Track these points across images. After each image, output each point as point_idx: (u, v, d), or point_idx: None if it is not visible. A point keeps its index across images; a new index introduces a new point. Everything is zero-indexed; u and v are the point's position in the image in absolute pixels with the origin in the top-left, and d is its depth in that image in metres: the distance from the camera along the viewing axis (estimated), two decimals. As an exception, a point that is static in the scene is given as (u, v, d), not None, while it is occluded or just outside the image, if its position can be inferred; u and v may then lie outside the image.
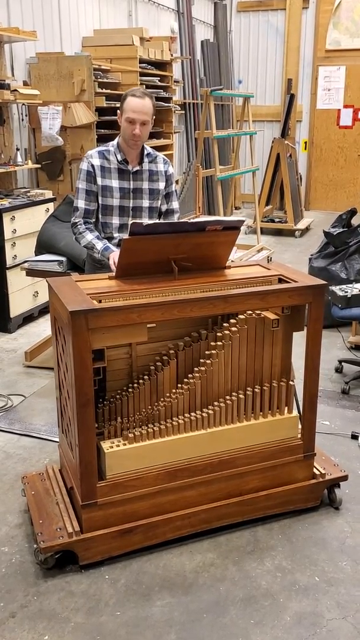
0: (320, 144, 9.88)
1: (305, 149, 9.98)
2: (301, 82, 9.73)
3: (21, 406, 3.58)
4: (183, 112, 8.09)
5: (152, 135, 6.74)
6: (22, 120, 5.28)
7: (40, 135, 5.24)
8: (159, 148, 6.73)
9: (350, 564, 2.37)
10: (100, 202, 2.94)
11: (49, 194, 5.07)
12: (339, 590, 2.25)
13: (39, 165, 5.37)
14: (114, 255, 2.68)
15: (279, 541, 2.49)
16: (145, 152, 3.00)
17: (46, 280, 2.44)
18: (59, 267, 3.69)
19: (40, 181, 5.54)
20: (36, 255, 4.11)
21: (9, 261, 4.56)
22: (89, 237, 2.93)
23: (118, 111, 2.92)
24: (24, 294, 4.77)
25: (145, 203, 3.00)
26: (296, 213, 8.43)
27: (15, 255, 4.62)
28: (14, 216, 4.57)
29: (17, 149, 5.11)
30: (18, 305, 4.75)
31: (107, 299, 2.27)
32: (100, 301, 2.26)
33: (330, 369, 4.07)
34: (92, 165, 2.92)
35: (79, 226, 2.96)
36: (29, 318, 4.92)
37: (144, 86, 6.04)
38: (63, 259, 3.75)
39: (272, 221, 8.58)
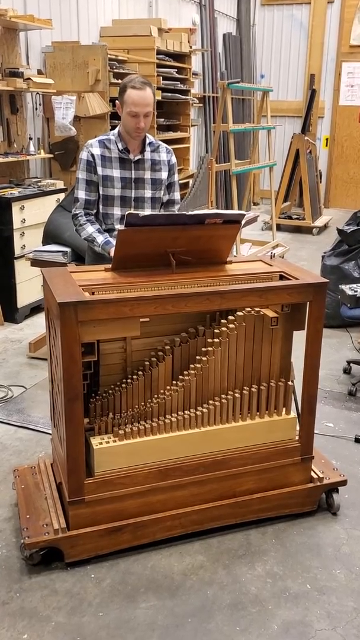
0: (341, 141, 9.72)
1: (327, 145, 9.82)
2: (324, 77, 9.57)
3: (21, 397, 3.54)
4: (201, 105, 7.99)
5: (169, 128, 6.68)
6: (36, 109, 5.25)
7: (54, 125, 5.19)
8: (175, 141, 6.68)
9: (344, 573, 2.29)
10: (101, 192, 2.88)
11: (60, 184, 5.03)
12: (331, 599, 2.17)
13: (52, 155, 5.33)
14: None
15: (272, 545, 2.41)
16: (147, 141, 2.94)
17: (40, 271, 2.39)
18: (63, 258, 3.65)
19: (53, 171, 5.50)
20: (44, 245, 4.07)
21: (17, 251, 4.53)
22: (90, 229, 2.88)
23: (117, 102, 2.86)
24: (32, 284, 4.73)
25: (148, 193, 2.93)
26: (314, 210, 8.31)
27: (24, 245, 4.58)
28: (23, 206, 4.53)
29: (30, 138, 5.07)
30: (25, 295, 4.72)
31: (100, 292, 2.21)
32: (93, 293, 2.20)
33: (339, 370, 3.98)
34: (92, 155, 2.87)
35: (79, 218, 2.91)
36: (36, 309, 4.89)
37: (161, 78, 5.97)
38: (67, 249, 3.70)
39: (290, 218, 8.46)
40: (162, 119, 6.38)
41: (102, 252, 2.82)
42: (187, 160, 7.12)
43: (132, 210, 2.81)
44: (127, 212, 2.21)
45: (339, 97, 9.58)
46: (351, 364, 3.93)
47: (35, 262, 3.78)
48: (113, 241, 2.79)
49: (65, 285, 2.17)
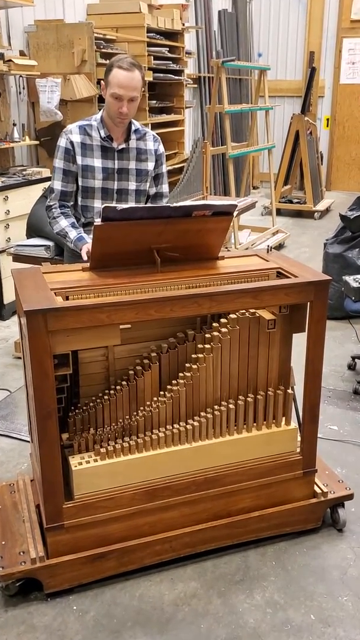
0: (343, 120, 9.39)
1: (327, 126, 9.50)
2: (324, 55, 9.22)
3: (4, 402, 3.32)
4: (196, 86, 7.69)
5: (162, 111, 6.39)
6: (20, 93, 4.97)
7: (39, 109, 4.92)
8: (169, 124, 6.40)
9: (351, 600, 2.08)
10: (80, 183, 2.63)
11: (47, 172, 4.76)
12: (337, 632, 1.96)
13: (37, 142, 5.07)
14: (88, 247, 2.38)
15: (272, 569, 2.20)
16: (133, 128, 2.68)
17: (11, 272, 2.16)
18: (46, 253, 3.41)
19: (40, 159, 5.25)
20: (28, 239, 3.83)
21: (2, 244, 4.29)
22: (63, 223, 2.63)
23: (102, 82, 2.60)
24: (19, 279, 4.49)
25: (132, 185, 2.68)
26: (315, 193, 8.02)
27: (9, 238, 4.34)
28: (7, 196, 4.29)
29: (14, 124, 4.81)
30: (12, 291, 4.47)
31: (75, 295, 1.97)
32: (67, 298, 1.97)
33: (343, 366, 3.75)
34: (72, 142, 2.61)
35: (53, 210, 2.66)
36: (24, 304, 4.65)
37: (152, 57, 5.68)
38: (50, 243, 3.46)
39: (290, 202, 8.18)
40: (155, 101, 6.09)
41: (75, 248, 2.58)
42: (182, 144, 6.84)
43: (114, 204, 2.57)
44: (103, 206, 1.96)
45: (339, 75, 9.24)
46: (356, 360, 3.70)
47: (17, 258, 3.55)
48: (87, 237, 2.55)
49: (35, 288, 1.94)
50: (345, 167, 9.60)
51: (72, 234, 2.59)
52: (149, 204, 2.77)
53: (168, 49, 6.15)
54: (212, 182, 7.81)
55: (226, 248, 5.14)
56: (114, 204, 2.01)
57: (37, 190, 4.55)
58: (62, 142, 2.64)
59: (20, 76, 4.84)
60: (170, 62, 6.23)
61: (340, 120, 9.41)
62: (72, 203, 2.69)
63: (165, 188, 2.82)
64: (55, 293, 1.94)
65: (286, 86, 9.43)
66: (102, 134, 2.62)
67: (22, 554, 2.06)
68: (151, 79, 5.68)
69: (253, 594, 2.10)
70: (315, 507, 2.33)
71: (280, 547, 2.30)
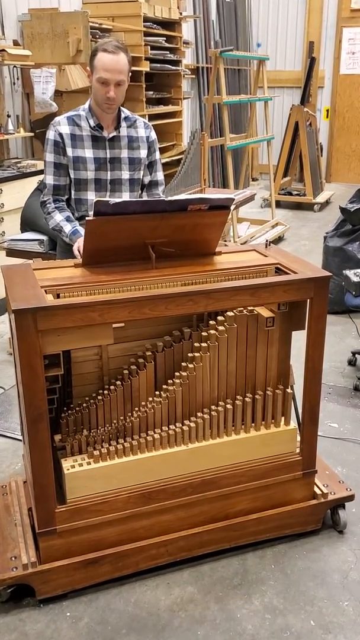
0: (343, 111, 9.28)
1: (327, 117, 9.39)
2: (324, 45, 9.09)
3: (-2, 400, 3.26)
4: (194, 76, 7.58)
5: (159, 102, 6.29)
6: (14, 84, 4.87)
7: (34, 100, 4.83)
8: (166, 115, 6.30)
9: (352, 605, 2.03)
10: (72, 175, 2.55)
11: (42, 165, 4.64)
12: (338, 638, 1.91)
13: (32, 134, 4.98)
14: (80, 243, 2.31)
15: (271, 572, 2.15)
16: (123, 116, 2.60)
17: (0, 268, 2.09)
18: (39, 247, 3.34)
19: (36, 151, 5.15)
20: (22, 233, 3.76)
21: (-4, 238, 4.22)
22: (58, 218, 2.55)
23: (88, 69, 2.52)
24: (14, 273, 4.42)
25: (125, 175, 2.60)
26: (315, 185, 7.93)
27: (3, 232, 4.26)
28: (1, 189, 4.21)
29: (9, 116, 4.72)
30: (6, 286, 4.40)
31: (67, 293, 1.91)
32: (58, 295, 1.90)
33: (343, 362, 3.68)
34: (60, 134, 2.53)
35: (47, 205, 2.58)
36: (19, 299, 4.58)
37: (149, 47, 5.58)
38: (44, 238, 3.39)
39: (290, 194, 8.09)
40: (152, 92, 6.00)
41: (71, 242, 2.50)
42: (180, 135, 6.74)
43: (104, 197, 2.49)
44: (95, 200, 1.89)
45: (339, 65, 9.11)
46: (356, 355, 3.63)
47: (11, 252, 3.47)
48: (82, 231, 2.47)
49: (24, 286, 1.87)
50: (346, 158, 9.50)
51: (67, 228, 2.52)
52: (143, 198, 2.70)
53: (165, 38, 6.04)
54: (210, 174, 7.72)
55: (225, 241, 5.07)
56: (106, 198, 1.93)
57: (32, 183, 4.47)
58: (50, 134, 2.57)
59: (14, 66, 4.75)
60: (168, 52, 6.13)
61: (340, 111, 9.30)
62: (66, 197, 2.61)
63: (160, 176, 2.74)
64: (45, 291, 1.87)
65: (285, 77, 9.31)
66: (92, 123, 2.54)
67: (13, 559, 2.00)
68: (148, 69, 5.58)
69: (251, 598, 2.04)
70: (315, 508, 2.27)
71: (280, 549, 2.24)
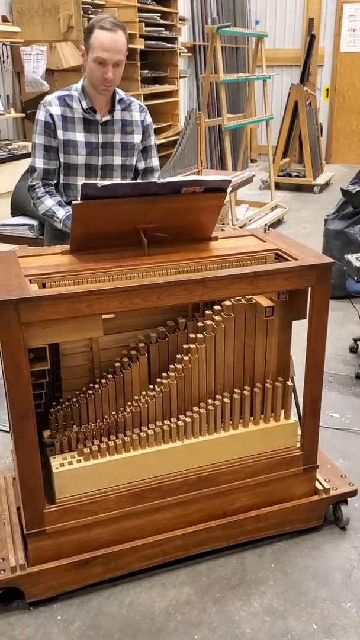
0: (343, 90, 9.09)
1: (327, 96, 9.20)
2: (324, 22, 8.88)
3: (-11, 391, 3.16)
4: (191, 54, 7.39)
5: (155, 81, 6.12)
6: (4, 62, 4.71)
7: (24, 80, 4.67)
8: (162, 95, 6.13)
9: (355, 606, 1.94)
10: (62, 159, 2.42)
11: (34, 147, 4.53)
12: (341, 642, 1.83)
13: (24, 114, 4.83)
14: None
15: (270, 572, 2.06)
16: (117, 98, 2.45)
17: (-16, 256, 1.97)
18: (29, 232, 3.22)
19: (27, 132, 5.01)
20: (13, 217, 3.64)
21: (-13, 223, 4.09)
22: (49, 203, 2.42)
23: (82, 47, 2.38)
24: (6, 259, 4.30)
25: (117, 160, 2.47)
26: (315, 167, 7.78)
27: (-6, 217, 4.14)
28: (-9, 172, 4.08)
29: (-1, 96, 4.58)
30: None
31: (53, 282, 1.79)
32: (44, 285, 1.79)
33: (344, 349, 3.58)
34: (51, 115, 2.40)
35: (37, 190, 2.45)
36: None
37: (144, 24, 5.40)
38: (34, 222, 3.26)
39: (289, 175, 7.94)
40: (147, 71, 5.83)
41: (64, 228, 2.38)
42: (176, 116, 6.58)
43: (99, 180, 2.37)
44: (82, 182, 1.77)
45: (340, 43, 8.92)
46: (358, 342, 3.53)
47: (0, 237, 3.35)
48: None
49: (7, 275, 1.75)
50: (346, 139, 9.33)
51: (60, 212, 2.39)
52: (143, 180, 2.57)
53: (160, 14, 5.87)
54: (207, 155, 7.56)
55: (222, 224, 4.94)
56: (94, 180, 1.81)
57: (23, 166, 4.31)
58: (40, 115, 2.43)
59: (4, 44, 4.59)
60: (163, 29, 5.95)
61: (340, 90, 9.11)
62: (55, 181, 2.48)
63: (155, 162, 2.61)
64: (30, 280, 1.76)
65: (284, 55, 9.11)
66: (84, 106, 2.40)
67: (1, 561, 1.91)
68: (143, 47, 5.41)
69: (250, 600, 1.96)
70: (317, 504, 2.18)
71: (280, 547, 2.16)
